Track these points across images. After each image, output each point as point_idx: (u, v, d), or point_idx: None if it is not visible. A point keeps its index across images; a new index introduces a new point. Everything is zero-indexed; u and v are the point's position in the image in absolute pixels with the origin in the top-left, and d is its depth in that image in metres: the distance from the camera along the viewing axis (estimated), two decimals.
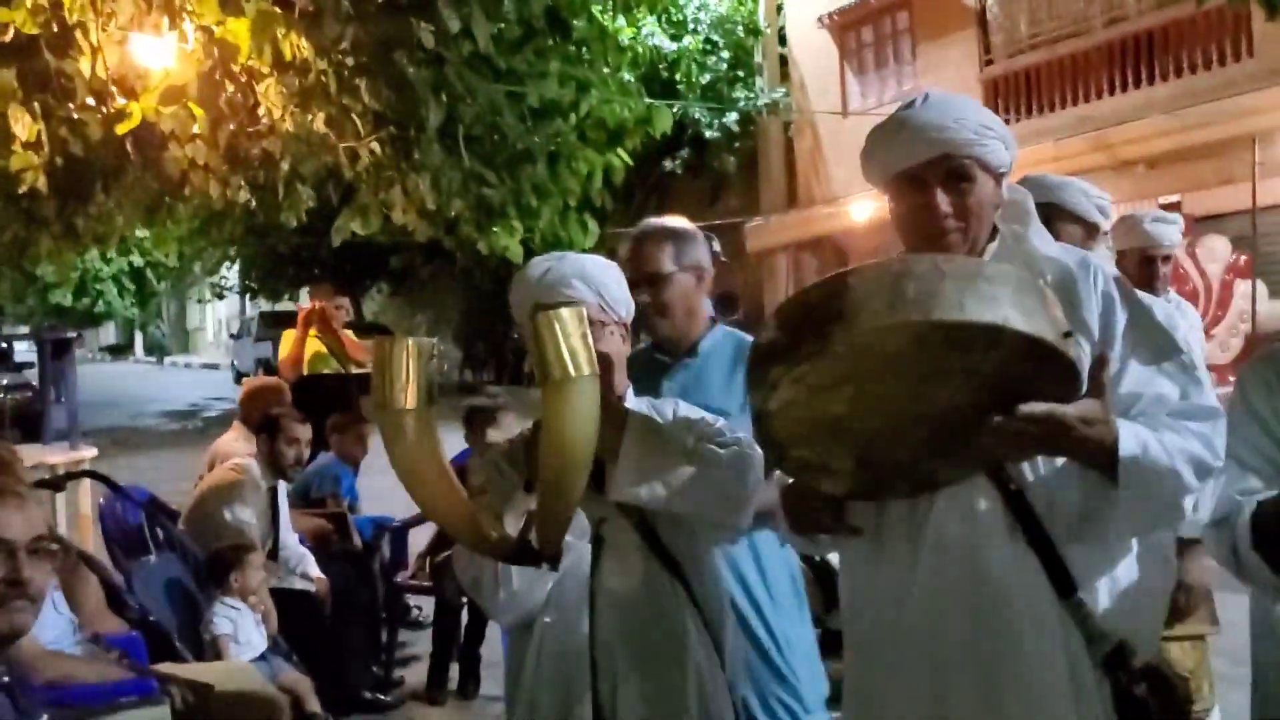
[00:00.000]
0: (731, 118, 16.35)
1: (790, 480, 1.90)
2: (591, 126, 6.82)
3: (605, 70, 7.15)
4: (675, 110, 10.43)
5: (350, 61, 5.74)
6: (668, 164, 16.42)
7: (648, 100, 7.31)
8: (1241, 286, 9.65)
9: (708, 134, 16.30)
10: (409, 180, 6.16)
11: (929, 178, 1.85)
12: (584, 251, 7.12)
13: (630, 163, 6.86)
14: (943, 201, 1.84)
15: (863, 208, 13.78)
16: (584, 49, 7.00)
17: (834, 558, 4.44)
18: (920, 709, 1.82)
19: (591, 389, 1.84)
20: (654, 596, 2.20)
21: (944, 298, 1.48)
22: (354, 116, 5.81)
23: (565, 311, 1.83)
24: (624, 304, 2.27)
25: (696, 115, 15.77)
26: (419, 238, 6.81)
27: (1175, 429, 1.71)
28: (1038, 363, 1.55)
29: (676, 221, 2.85)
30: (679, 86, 15.48)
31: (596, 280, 2.21)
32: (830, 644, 4.71)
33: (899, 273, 1.52)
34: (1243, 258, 9.69)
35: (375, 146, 5.88)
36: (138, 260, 31.63)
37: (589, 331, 1.84)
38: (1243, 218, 10.37)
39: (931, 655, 1.81)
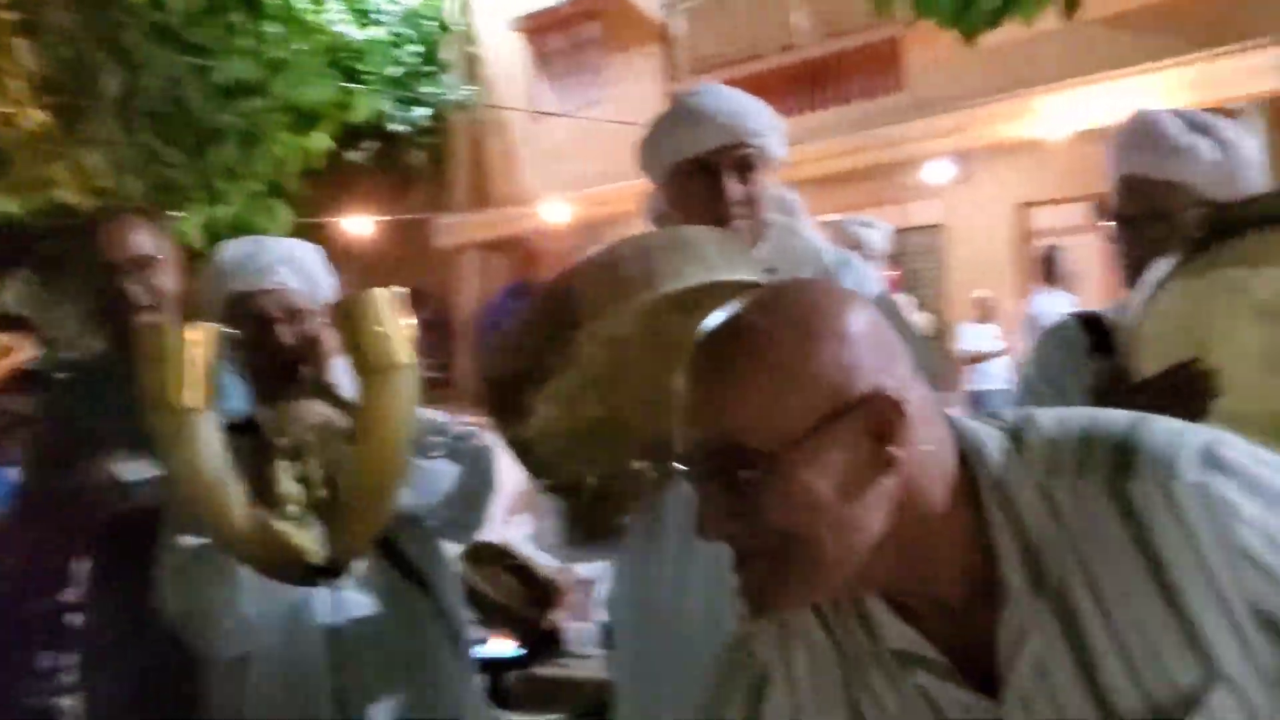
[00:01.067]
0: (421, 112, 16.08)
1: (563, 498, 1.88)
2: (284, 109, 6.50)
3: (299, 51, 6.85)
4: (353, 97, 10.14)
5: (9, 17, 5.15)
6: (353, 155, 15.90)
7: (345, 85, 7.06)
8: None
9: (396, 127, 15.93)
10: (78, 154, 5.60)
11: (719, 164, 1.89)
12: None
13: (333, 147, 6.60)
14: (733, 189, 1.89)
15: (554, 210, 13.98)
16: (275, 28, 6.67)
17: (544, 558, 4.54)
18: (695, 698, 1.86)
19: (412, 379, 1.74)
20: (397, 607, 2.03)
21: (660, 270, 1.54)
22: (12, 79, 5.22)
23: (379, 293, 1.72)
24: (330, 290, 2.12)
25: (384, 107, 15.37)
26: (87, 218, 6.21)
27: None
28: None
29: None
30: (366, 77, 15.03)
31: (304, 266, 2.06)
32: (542, 645, 4.79)
33: (611, 261, 1.56)
34: (893, 274, 10.67)
35: (39, 114, 5.31)
36: None
37: (401, 315, 1.75)
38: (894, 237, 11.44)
39: (708, 646, 1.85)
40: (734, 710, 1.14)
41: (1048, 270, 7.41)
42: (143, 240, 2.33)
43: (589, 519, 1.90)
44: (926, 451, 1.00)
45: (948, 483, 1.02)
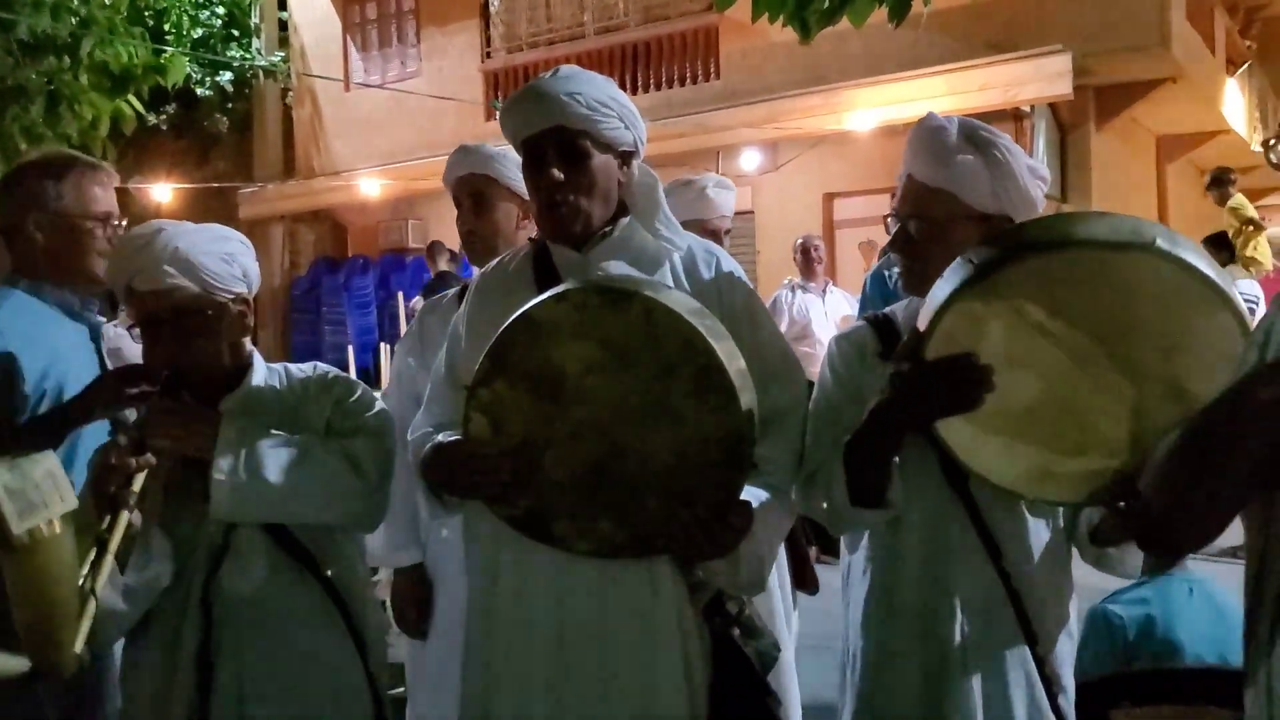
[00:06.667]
0: (226, 77, 15.39)
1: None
2: (92, 69, 6.14)
3: (105, 8, 6.48)
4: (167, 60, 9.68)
5: None
6: (152, 118, 15.09)
7: (159, 47, 6.73)
8: None
9: (200, 91, 15.21)
10: None
11: (545, 148, 1.95)
12: None
13: (143, 111, 6.30)
14: (555, 173, 1.94)
15: (366, 184, 13.69)
16: None
17: None
18: (540, 650, 1.94)
19: (60, 545, 1.69)
20: (282, 597, 2.04)
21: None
22: None
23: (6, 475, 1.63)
24: (234, 280, 2.04)
25: (187, 70, 14.65)
26: None
27: (777, 454, 1.96)
28: (723, 461, 1.82)
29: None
30: (167, 37, 14.27)
31: (192, 262, 1.97)
32: None
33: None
34: None
35: None
36: None
37: (48, 486, 1.68)
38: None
39: (558, 599, 1.94)
40: None
41: (805, 261, 7.54)
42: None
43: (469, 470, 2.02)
44: None
45: None
